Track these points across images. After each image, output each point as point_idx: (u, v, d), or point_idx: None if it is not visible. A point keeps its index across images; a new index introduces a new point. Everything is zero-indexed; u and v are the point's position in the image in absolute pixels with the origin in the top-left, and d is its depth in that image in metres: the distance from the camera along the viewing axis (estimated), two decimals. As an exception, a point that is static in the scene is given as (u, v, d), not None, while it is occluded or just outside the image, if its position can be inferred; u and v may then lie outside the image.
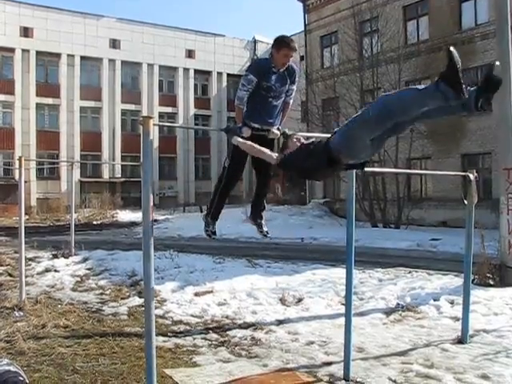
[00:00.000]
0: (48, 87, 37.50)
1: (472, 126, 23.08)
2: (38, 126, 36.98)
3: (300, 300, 8.67)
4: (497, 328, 6.86)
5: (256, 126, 5.06)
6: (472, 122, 23.15)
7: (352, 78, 25.19)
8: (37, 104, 36.93)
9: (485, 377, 5.10)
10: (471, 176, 6.43)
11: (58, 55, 37.50)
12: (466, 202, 6.57)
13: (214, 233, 5.56)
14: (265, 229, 5.73)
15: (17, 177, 13.10)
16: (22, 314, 7.66)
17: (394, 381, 5.07)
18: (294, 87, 5.36)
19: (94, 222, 28.94)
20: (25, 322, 7.19)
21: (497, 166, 12.94)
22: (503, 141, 10.41)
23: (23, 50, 36.28)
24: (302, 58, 35.49)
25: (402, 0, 25.83)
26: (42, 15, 36.41)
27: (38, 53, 36.67)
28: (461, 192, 13.98)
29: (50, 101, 37.48)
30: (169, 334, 6.83)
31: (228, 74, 43.79)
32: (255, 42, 44.57)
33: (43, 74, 37.77)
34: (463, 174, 6.96)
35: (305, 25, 32.23)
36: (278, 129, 5.17)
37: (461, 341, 6.32)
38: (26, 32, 36.31)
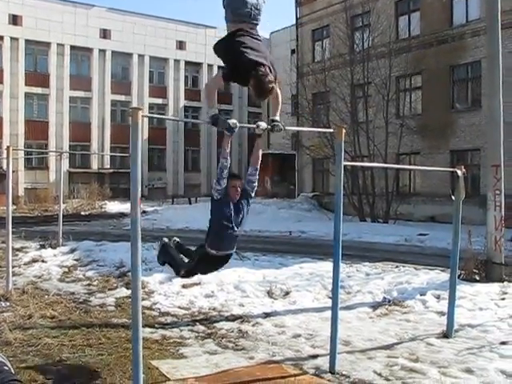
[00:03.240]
0: (37, 76, 37.13)
1: (461, 123, 23.22)
2: (26, 115, 36.61)
3: (287, 293, 8.69)
4: (481, 323, 6.93)
5: None
6: (461, 118, 23.30)
7: (343, 72, 25.22)
8: (25, 93, 36.56)
9: (469, 371, 5.15)
10: (459, 172, 6.47)
11: (48, 44, 37.11)
12: (453, 197, 6.61)
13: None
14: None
15: (5, 166, 13.00)
16: (8, 304, 7.63)
17: (380, 374, 5.11)
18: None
19: (83, 213, 28.81)
20: (11, 312, 7.17)
21: (485, 162, 13.03)
22: (492, 137, 10.47)
23: (12, 38, 35.85)
24: (293, 51, 35.52)
25: (394, -5, 25.86)
26: (31, 3, 35.93)
27: (27, 41, 36.23)
28: (449, 188, 14.06)
29: (39, 90, 37.12)
30: (156, 325, 6.84)
31: (219, 66, 43.25)
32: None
33: (32, 63, 37.38)
34: (451, 170, 7.00)
35: (296, 18, 32.20)
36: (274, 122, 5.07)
37: (446, 335, 6.38)
38: (14, 20, 35.86)
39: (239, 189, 5.15)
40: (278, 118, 5.04)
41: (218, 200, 5.15)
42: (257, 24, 4.94)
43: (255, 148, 5.28)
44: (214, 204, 5.21)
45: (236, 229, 5.23)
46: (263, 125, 4.99)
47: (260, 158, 5.26)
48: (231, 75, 4.81)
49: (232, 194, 5.12)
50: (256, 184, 5.28)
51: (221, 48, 4.93)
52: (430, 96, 24.10)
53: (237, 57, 4.63)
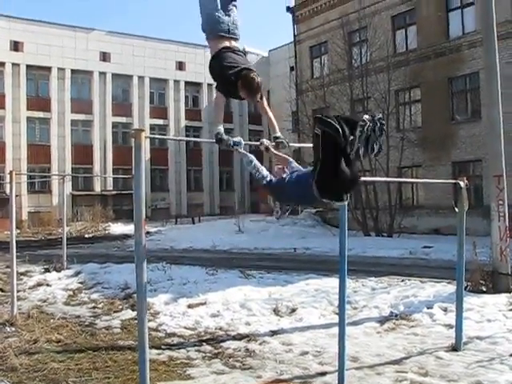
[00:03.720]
0: (39, 101, 37.42)
1: (462, 134, 23.25)
2: (28, 139, 36.81)
3: (293, 310, 8.65)
4: (490, 335, 6.88)
5: None
6: (462, 129, 23.33)
7: (342, 87, 25.34)
8: (27, 118, 36.81)
9: (479, 384, 5.11)
10: (462, 183, 6.46)
11: (49, 69, 37.45)
12: (457, 209, 6.60)
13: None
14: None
15: (8, 191, 13.00)
16: (13, 329, 7.60)
17: (389, 390, 5.07)
18: None
19: (86, 235, 28.80)
20: (16, 337, 7.14)
21: (487, 172, 13.02)
22: (492, 148, 10.49)
23: (13, 64, 36.20)
24: (291, 68, 35.73)
25: (391, 10, 26.02)
26: (32, 29, 36.35)
27: (28, 67, 36.58)
28: (452, 199, 14.02)
29: (40, 114, 37.39)
30: (162, 346, 6.80)
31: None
32: (245, 53, 44.38)
33: (34, 88, 37.70)
34: (454, 181, 6.99)
35: (294, 35, 32.41)
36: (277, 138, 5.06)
37: (455, 348, 6.32)
38: (16, 46, 36.27)
39: (282, 166, 4.81)
40: (279, 134, 5.04)
41: (277, 181, 4.65)
42: (237, 38, 5.11)
43: (275, 158, 5.17)
44: (276, 187, 4.69)
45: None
46: (266, 142, 5.04)
47: (286, 156, 5.12)
48: (225, 88, 4.85)
49: (279, 173, 4.75)
50: (299, 166, 4.92)
51: (210, 69, 5.03)
52: (430, 108, 24.17)
53: (224, 72, 4.72)
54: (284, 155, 5.10)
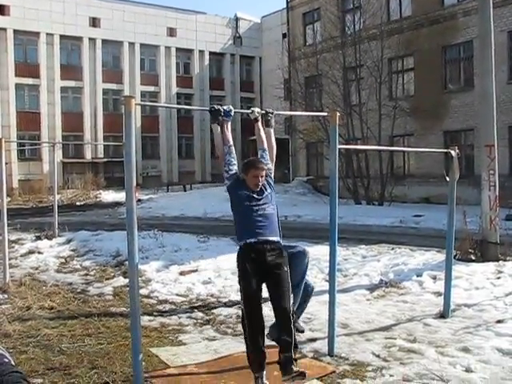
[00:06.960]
0: (27, 67, 36.78)
1: (454, 103, 23.21)
2: (18, 106, 36.31)
3: (284, 278, 8.71)
4: (478, 302, 6.98)
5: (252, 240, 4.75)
6: (454, 98, 23.29)
7: (335, 55, 25.14)
8: (16, 84, 36.20)
9: (465, 350, 5.21)
10: (453, 153, 6.47)
11: (37, 34, 36.70)
12: (447, 178, 6.62)
13: None
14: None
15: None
16: (6, 296, 7.65)
17: (378, 355, 5.15)
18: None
19: (78, 203, 28.76)
20: (9, 304, 7.18)
21: (479, 142, 13.03)
22: (485, 117, 10.47)
23: (0, 29, 35.51)
24: (284, 35, 35.33)
25: (385, -24, 25.68)
26: (18, -8, 35.58)
27: (15, 31, 35.84)
28: (443, 168, 14.06)
29: (29, 81, 36.81)
30: (154, 313, 6.87)
31: (210, 52, 43.35)
32: (237, 19, 44.04)
33: (22, 54, 37.02)
34: (445, 151, 7.00)
35: (287, 1, 31.97)
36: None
37: (443, 315, 6.42)
38: (2, 10, 35.40)
39: (261, 178, 4.68)
40: (271, 110, 5.18)
41: (231, 186, 4.76)
42: None
43: (256, 132, 5.18)
44: (229, 193, 4.80)
45: (263, 206, 4.69)
46: (258, 111, 5.08)
47: (264, 139, 5.05)
48: None
49: (253, 184, 4.66)
50: (270, 165, 4.94)
51: None
52: (423, 77, 24.06)
53: None
54: (261, 136, 5.09)
